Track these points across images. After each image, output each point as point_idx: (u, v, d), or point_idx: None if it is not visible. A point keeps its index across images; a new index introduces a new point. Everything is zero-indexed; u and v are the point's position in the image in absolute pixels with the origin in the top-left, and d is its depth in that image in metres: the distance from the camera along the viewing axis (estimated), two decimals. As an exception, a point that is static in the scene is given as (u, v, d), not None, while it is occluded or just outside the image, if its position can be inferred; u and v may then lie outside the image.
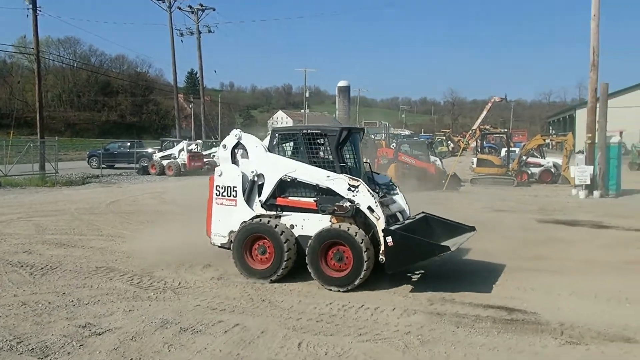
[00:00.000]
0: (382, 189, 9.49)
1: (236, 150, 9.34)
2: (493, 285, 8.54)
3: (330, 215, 8.37)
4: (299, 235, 8.59)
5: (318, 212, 8.49)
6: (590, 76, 22.22)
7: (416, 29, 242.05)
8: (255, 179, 8.95)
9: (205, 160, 34.02)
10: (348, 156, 9.03)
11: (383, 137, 42.19)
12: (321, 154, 8.80)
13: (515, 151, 30.20)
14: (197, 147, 34.85)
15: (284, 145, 9.18)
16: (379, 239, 8.11)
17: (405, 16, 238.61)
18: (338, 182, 8.34)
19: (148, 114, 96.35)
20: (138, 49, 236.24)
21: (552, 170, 27.56)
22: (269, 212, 8.81)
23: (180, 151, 32.51)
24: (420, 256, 8.17)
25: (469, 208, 17.93)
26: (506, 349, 6.03)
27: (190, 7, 45.11)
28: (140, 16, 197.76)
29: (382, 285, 8.32)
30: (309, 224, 8.55)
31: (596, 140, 21.91)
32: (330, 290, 8.08)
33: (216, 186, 9.12)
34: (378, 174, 10.05)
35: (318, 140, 8.83)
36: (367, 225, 8.31)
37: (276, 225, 8.52)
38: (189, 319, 6.91)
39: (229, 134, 9.44)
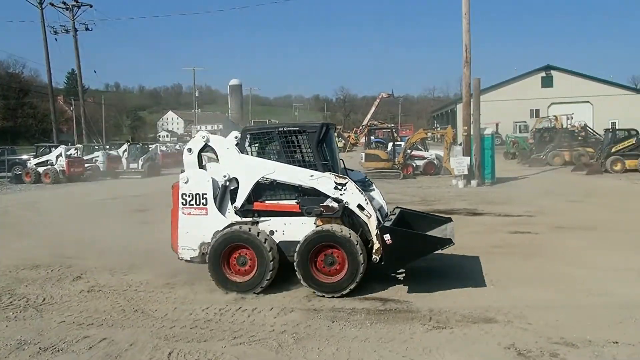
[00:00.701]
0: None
1: (203, 154, 8.62)
2: (372, 276, 8.72)
3: (315, 218, 7.94)
4: (280, 242, 8.05)
5: (301, 215, 7.98)
6: (464, 72, 23.51)
7: (307, 27, 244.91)
8: (227, 183, 8.28)
9: (86, 165, 32.24)
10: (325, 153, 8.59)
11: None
12: (300, 152, 8.32)
13: (401, 145, 31.37)
14: (77, 152, 32.97)
15: (256, 145, 8.58)
16: (369, 239, 7.82)
17: (296, 13, 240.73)
18: (323, 181, 7.87)
19: (24, 117, 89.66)
20: (10, 49, 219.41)
21: (435, 162, 28.91)
22: (244, 219, 8.19)
23: (58, 157, 30.56)
24: (421, 252, 8.02)
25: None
26: (377, 339, 6.16)
27: (64, 3, 42.54)
28: (10, 13, 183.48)
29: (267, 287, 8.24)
30: (291, 229, 8.03)
31: (472, 132, 23.24)
32: (323, 296, 7.68)
33: (182, 194, 8.26)
34: (352, 170, 9.58)
35: (296, 138, 8.32)
36: (352, 225, 8.03)
37: (258, 233, 7.93)
38: (50, 338, 6.43)
39: (194, 137, 8.70)
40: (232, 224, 8.13)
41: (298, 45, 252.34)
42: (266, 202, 8.22)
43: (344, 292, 7.62)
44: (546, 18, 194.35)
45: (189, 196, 8.23)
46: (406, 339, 6.17)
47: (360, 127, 53.87)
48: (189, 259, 8.38)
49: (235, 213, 8.20)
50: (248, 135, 8.48)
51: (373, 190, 9.12)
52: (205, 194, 8.19)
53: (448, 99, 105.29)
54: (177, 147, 54.01)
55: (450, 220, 9.10)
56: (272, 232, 8.06)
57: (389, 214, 8.95)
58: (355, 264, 7.60)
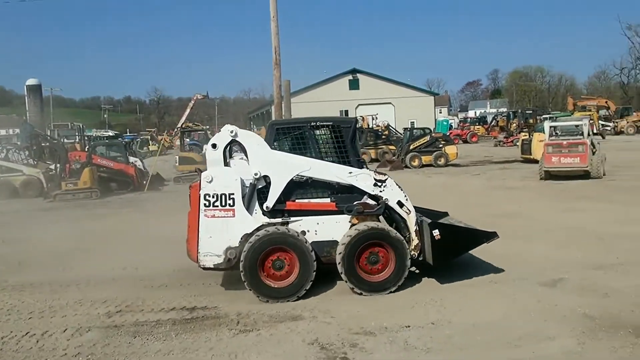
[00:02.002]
0: None
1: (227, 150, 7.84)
2: (180, 285, 8.42)
3: (349, 216, 7.55)
4: (313, 242, 7.53)
5: (334, 214, 7.65)
6: (274, 74, 23.90)
7: (115, 22, 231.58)
8: (256, 182, 7.56)
9: None
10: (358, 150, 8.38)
11: (77, 140, 39.10)
12: (331, 148, 8.01)
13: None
14: None
15: (283, 140, 8.12)
16: (406, 235, 7.66)
17: (103, 7, 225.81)
18: (362, 178, 7.61)
19: None
20: None
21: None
22: (273, 220, 7.52)
23: None
24: (468, 246, 7.94)
25: (168, 207, 17.68)
26: (181, 350, 5.93)
27: None
28: None
29: (55, 306, 7.51)
30: (324, 228, 7.60)
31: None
32: (363, 295, 7.40)
33: (205, 195, 7.42)
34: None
35: (328, 134, 8.06)
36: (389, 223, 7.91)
37: (298, 234, 7.42)
38: None
39: (219, 131, 7.82)
40: (262, 226, 7.51)
41: (105, 43, 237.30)
42: (297, 201, 7.75)
43: (391, 290, 7.47)
44: (353, 23, 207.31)
45: (213, 197, 7.46)
46: (212, 346, 6.02)
47: (175, 130, 52.26)
48: (212, 266, 7.60)
49: (266, 214, 7.59)
50: (276, 129, 7.99)
51: None
52: (233, 194, 7.48)
53: (264, 100, 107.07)
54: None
55: (446, 214, 9.05)
56: (304, 232, 7.60)
57: None
58: (402, 261, 7.47)
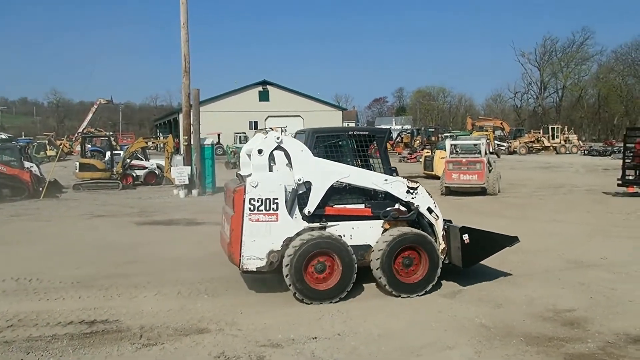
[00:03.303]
0: None
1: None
2: (79, 298, 8.03)
3: (382, 221, 7.98)
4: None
5: (369, 219, 8.05)
6: (183, 82, 23.54)
7: (9, 19, 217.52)
8: (298, 187, 7.78)
9: None
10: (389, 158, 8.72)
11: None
12: (368, 156, 8.51)
13: (120, 154, 29.91)
14: None
15: (323, 148, 8.38)
16: (436, 239, 8.17)
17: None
18: (396, 185, 8.06)
19: None
20: None
21: (157, 172, 28.26)
22: (312, 224, 7.78)
23: None
24: (494, 250, 8.49)
25: (66, 216, 16.82)
26: (80, 367, 5.65)
27: None
28: None
29: None
30: (358, 233, 8.00)
31: (192, 142, 23.36)
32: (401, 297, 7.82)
33: (250, 200, 7.54)
34: None
35: (365, 142, 8.43)
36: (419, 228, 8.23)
37: (341, 239, 7.79)
38: None
39: (265, 136, 7.85)
40: (303, 230, 7.75)
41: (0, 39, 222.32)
42: (334, 206, 8.04)
43: (421, 294, 7.90)
44: (264, 34, 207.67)
45: (257, 201, 7.61)
46: (113, 361, 5.79)
47: (76, 135, 49.84)
48: (254, 269, 7.74)
49: (302, 218, 7.81)
50: (315, 137, 8.31)
51: None
52: (277, 199, 7.66)
53: (171, 107, 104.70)
54: None
55: (450, 221, 9.01)
56: (340, 237, 7.88)
57: None
58: (434, 265, 7.92)
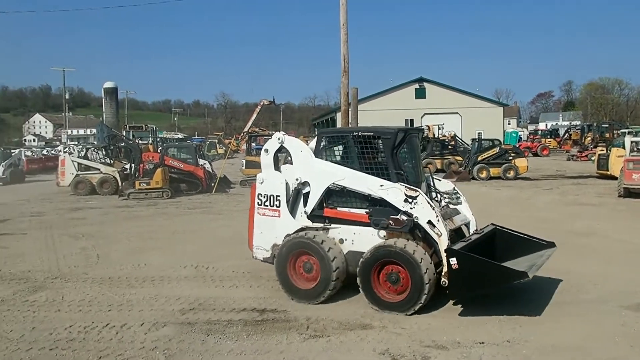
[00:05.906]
0: (444, 198, 8.48)
1: (279, 156, 8.42)
2: (249, 287, 8.55)
3: (383, 230, 7.41)
4: (349, 251, 7.62)
5: (368, 226, 7.50)
6: (342, 81, 23.93)
7: (183, 30, 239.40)
8: (300, 187, 8.03)
9: None
10: (405, 161, 8.02)
11: (150, 141, 40.54)
12: (375, 158, 7.81)
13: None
14: None
15: (332, 149, 8.22)
16: (441, 259, 7.10)
17: (173, 15, 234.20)
18: (393, 192, 7.30)
19: None
20: None
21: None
22: (315, 224, 7.88)
23: None
24: (492, 282, 6.95)
25: (234, 210, 18.06)
26: (253, 352, 6.00)
27: None
28: None
29: (132, 300, 7.79)
30: (360, 239, 7.58)
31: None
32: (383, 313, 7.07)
33: (257, 195, 8.21)
34: (439, 180, 8.83)
35: (371, 144, 7.85)
36: (427, 241, 7.29)
37: (323, 241, 7.54)
38: None
39: (271, 137, 8.45)
40: (303, 229, 7.87)
41: (176, 48, 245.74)
42: (337, 208, 7.87)
43: (408, 313, 6.96)
44: (420, 33, 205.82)
45: (264, 197, 8.15)
46: (283, 349, 6.05)
47: (242, 134, 53.29)
48: (262, 259, 8.32)
49: (307, 218, 7.95)
50: (324, 138, 8.23)
51: (460, 203, 8.52)
52: (279, 196, 8.04)
53: (328, 107, 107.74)
54: (44, 152, 50.08)
55: (553, 245, 8.09)
56: (341, 241, 7.73)
57: (478, 229, 8.22)
58: (418, 284, 6.87)
